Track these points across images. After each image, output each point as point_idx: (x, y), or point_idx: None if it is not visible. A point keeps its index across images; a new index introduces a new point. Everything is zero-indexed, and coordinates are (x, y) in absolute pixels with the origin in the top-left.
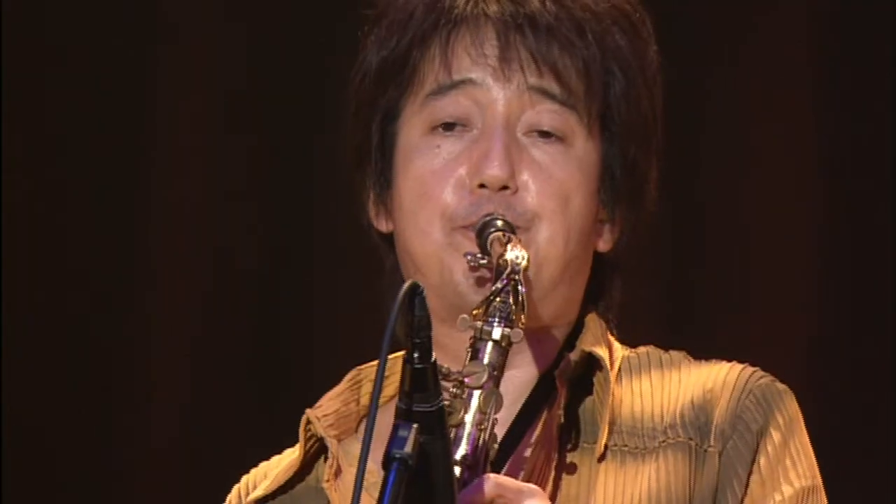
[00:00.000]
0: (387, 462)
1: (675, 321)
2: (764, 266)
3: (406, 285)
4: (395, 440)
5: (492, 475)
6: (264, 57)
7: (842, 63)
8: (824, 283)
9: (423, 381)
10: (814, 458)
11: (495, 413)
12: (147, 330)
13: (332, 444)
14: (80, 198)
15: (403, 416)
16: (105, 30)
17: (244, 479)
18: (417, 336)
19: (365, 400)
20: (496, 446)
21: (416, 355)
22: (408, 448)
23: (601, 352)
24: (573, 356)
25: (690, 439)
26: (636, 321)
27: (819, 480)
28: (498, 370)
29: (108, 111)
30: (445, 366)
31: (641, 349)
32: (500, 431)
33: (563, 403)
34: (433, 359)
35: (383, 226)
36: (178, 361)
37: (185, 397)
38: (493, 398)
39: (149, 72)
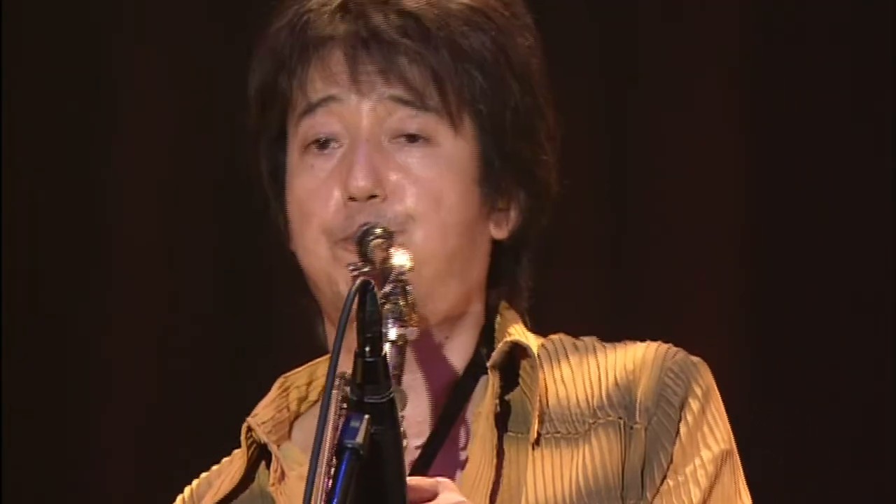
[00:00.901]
0: (339, 452)
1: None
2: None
3: (357, 283)
4: (346, 430)
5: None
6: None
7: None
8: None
9: (374, 374)
10: (728, 424)
11: (401, 410)
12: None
13: (274, 449)
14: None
15: (355, 408)
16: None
17: (187, 489)
18: (369, 331)
19: (294, 406)
20: (406, 441)
21: (367, 349)
22: (359, 438)
23: (526, 340)
24: (501, 347)
25: (620, 418)
26: (578, 306)
27: (734, 445)
28: (398, 369)
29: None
30: (347, 372)
31: (554, 337)
32: (426, 430)
33: (497, 393)
34: (383, 352)
35: (291, 245)
36: (143, 352)
37: (151, 391)
38: (398, 396)
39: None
